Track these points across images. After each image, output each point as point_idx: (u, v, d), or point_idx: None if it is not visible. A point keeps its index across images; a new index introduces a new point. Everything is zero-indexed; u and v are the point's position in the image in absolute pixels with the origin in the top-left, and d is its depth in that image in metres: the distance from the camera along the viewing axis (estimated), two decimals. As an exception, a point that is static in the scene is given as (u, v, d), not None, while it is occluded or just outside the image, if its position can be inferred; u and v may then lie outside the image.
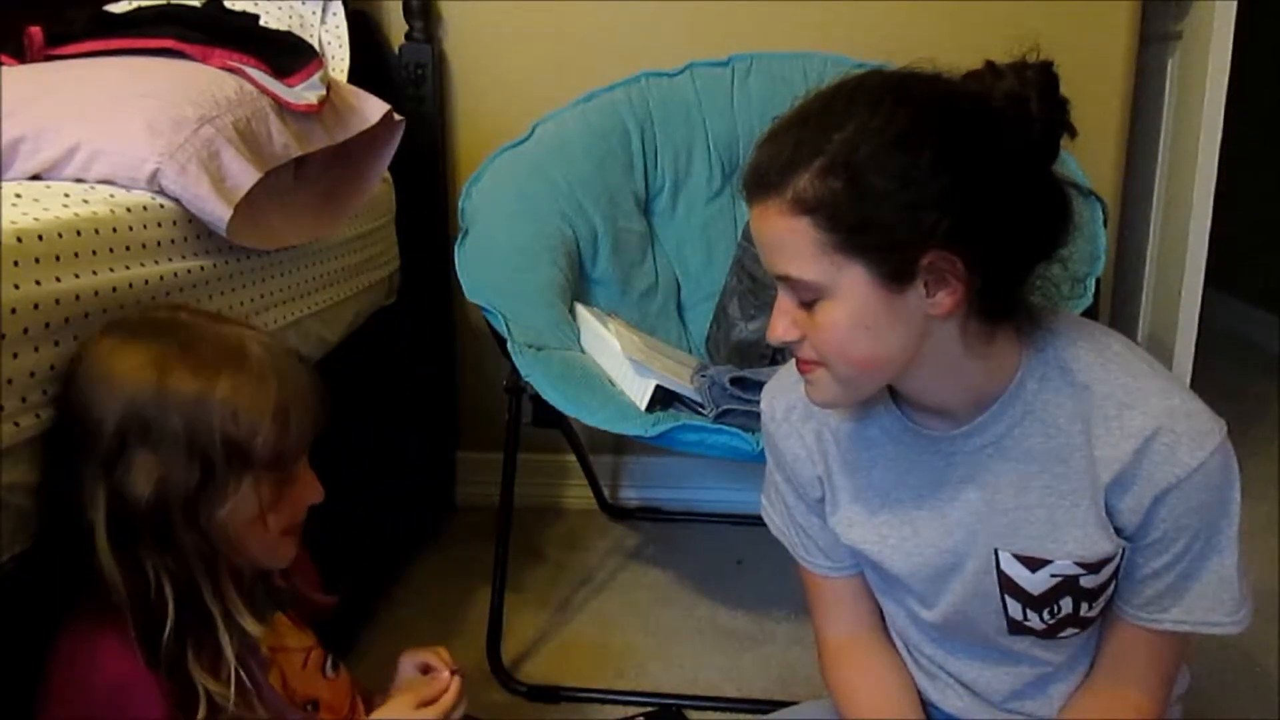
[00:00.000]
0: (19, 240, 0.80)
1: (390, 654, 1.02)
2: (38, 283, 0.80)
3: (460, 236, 1.55)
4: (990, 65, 0.76)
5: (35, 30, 1.33)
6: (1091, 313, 1.39)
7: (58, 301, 0.82)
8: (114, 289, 0.90)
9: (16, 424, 0.78)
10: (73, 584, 0.80)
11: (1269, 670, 1.50)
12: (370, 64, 1.79)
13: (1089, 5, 1.83)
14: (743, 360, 1.58)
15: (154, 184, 1.05)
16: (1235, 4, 1.86)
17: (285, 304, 1.28)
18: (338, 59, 1.71)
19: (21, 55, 1.33)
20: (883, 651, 0.98)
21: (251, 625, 0.83)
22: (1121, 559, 0.82)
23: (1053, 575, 0.82)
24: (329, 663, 0.95)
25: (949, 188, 0.71)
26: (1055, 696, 0.90)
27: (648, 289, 1.73)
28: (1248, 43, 1.92)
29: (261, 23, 1.52)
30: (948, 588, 0.87)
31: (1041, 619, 0.85)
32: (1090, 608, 0.84)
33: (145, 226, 0.99)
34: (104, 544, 0.77)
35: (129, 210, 0.98)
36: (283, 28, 1.65)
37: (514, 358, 1.34)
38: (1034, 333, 0.81)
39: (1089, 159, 1.76)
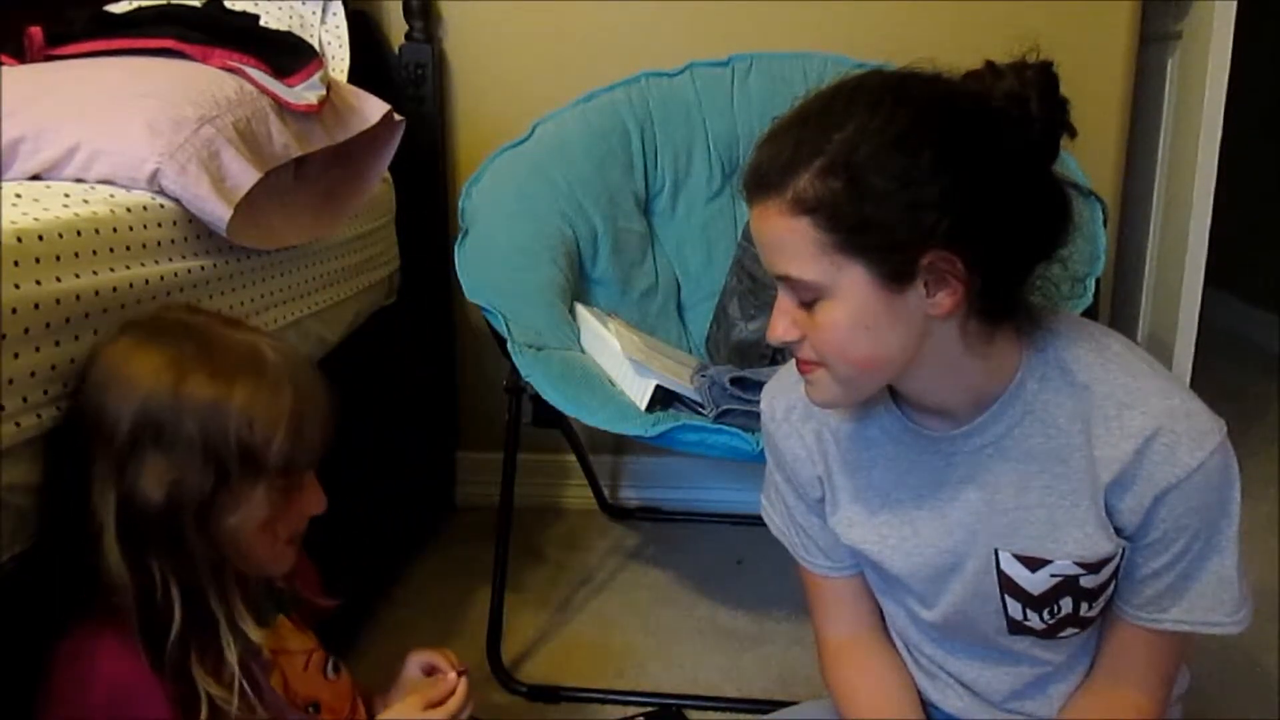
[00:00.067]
0: (19, 240, 0.80)
1: (390, 654, 1.02)
2: (38, 283, 0.80)
3: (460, 236, 1.55)
4: (990, 65, 0.76)
5: (35, 30, 1.33)
6: (1091, 313, 1.39)
7: (58, 301, 0.82)
8: (114, 289, 0.90)
9: (17, 424, 0.78)
10: (74, 584, 0.80)
11: (1269, 670, 1.50)
12: (370, 64, 1.79)
13: (1089, 5, 1.83)
14: (743, 360, 1.58)
15: (154, 184, 1.05)
16: (1235, 4, 1.86)
17: (285, 304, 1.28)
18: (338, 59, 1.71)
19: (21, 55, 1.33)
20: (883, 651, 0.98)
21: (254, 632, 0.83)
22: (1121, 559, 0.82)
23: (1053, 575, 0.82)
24: (330, 664, 0.95)
25: (949, 188, 0.71)
26: (1055, 696, 0.90)
27: (648, 289, 1.73)
28: (1248, 43, 1.92)
29: (261, 23, 1.52)
30: (948, 588, 0.87)
31: (1041, 619, 0.85)
32: (1090, 608, 0.84)
33: (145, 226, 0.99)
34: (113, 546, 0.77)
35: (129, 210, 0.98)
36: (283, 28, 1.65)
37: (514, 358, 1.34)
38: (1034, 333, 0.81)
39: (1089, 159, 1.76)
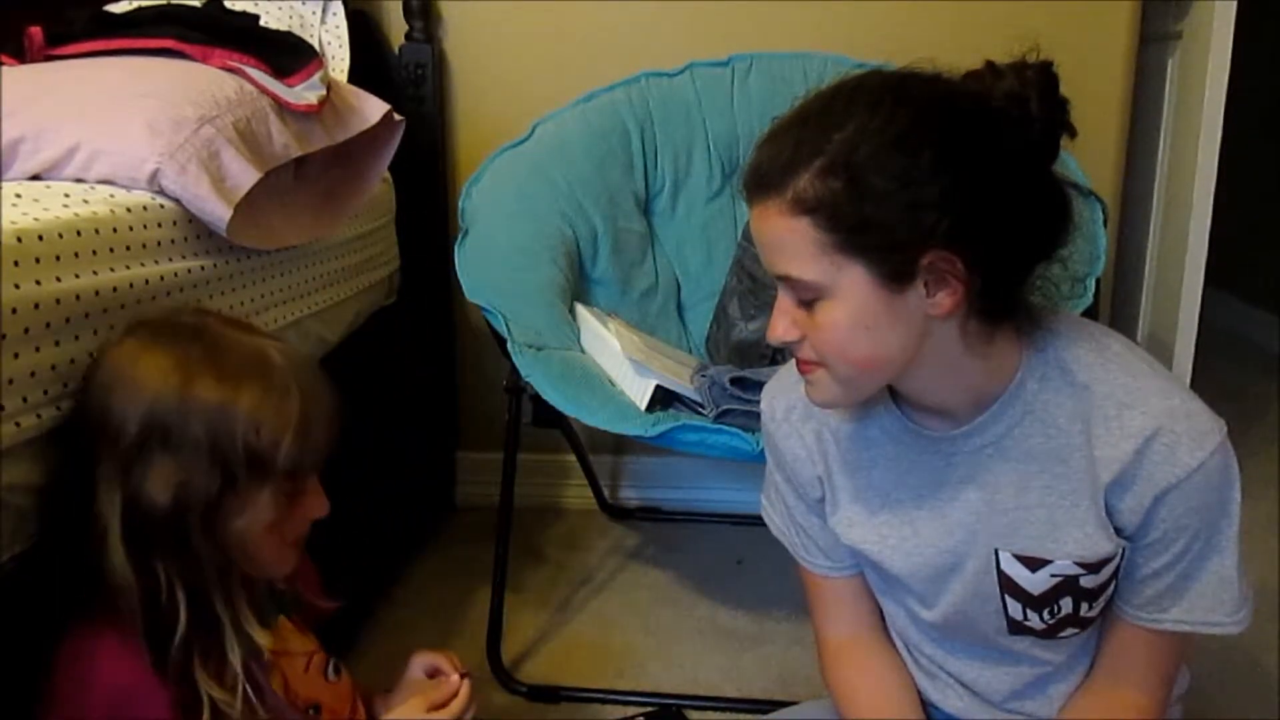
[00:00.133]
0: (19, 240, 0.80)
1: (390, 654, 1.02)
2: (38, 283, 0.80)
3: (460, 236, 1.55)
4: (990, 65, 0.76)
5: (35, 30, 1.33)
6: (1091, 313, 1.39)
7: (58, 301, 0.82)
8: (114, 289, 0.90)
9: (17, 424, 0.78)
10: (74, 585, 0.80)
11: (1269, 670, 1.50)
12: (370, 64, 1.79)
13: (1089, 5, 1.83)
14: (743, 360, 1.58)
15: (154, 184, 1.05)
16: (1235, 4, 1.86)
17: (285, 304, 1.28)
18: (338, 59, 1.71)
19: (21, 55, 1.33)
20: (883, 651, 0.98)
21: (261, 635, 0.83)
22: (1121, 559, 0.82)
23: (1053, 575, 0.82)
24: (331, 666, 0.95)
25: (949, 188, 0.71)
26: (1055, 696, 0.90)
27: (648, 289, 1.73)
28: (1248, 43, 1.92)
29: (261, 23, 1.52)
30: (948, 588, 0.87)
31: (1041, 619, 0.85)
32: (1090, 608, 0.84)
33: (145, 226, 0.99)
34: (118, 547, 0.76)
35: (129, 210, 0.98)
36: (283, 28, 1.65)
37: (514, 358, 1.34)
38: (1034, 333, 0.81)
39: (1089, 159, 1.76)
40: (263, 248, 1.20)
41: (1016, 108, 0.73)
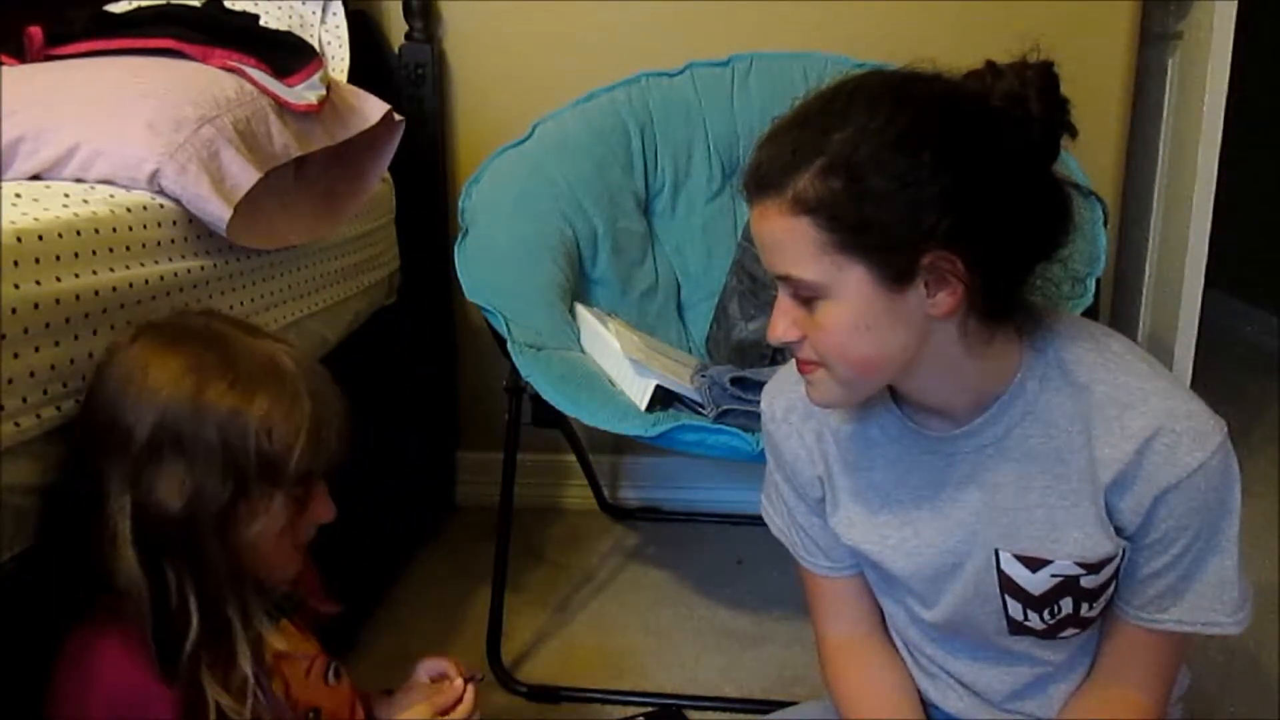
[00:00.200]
0: (19, 240, 0.80)
1: (390, 654, 1.02)
2: (38, 283, 0.80)
3: (460, 236, 1.55)
4: (990, 65, 0.76)
5: (35, 30, 1.33)
6: (1091, 313, 1.39)
7: (58, 301, 0.82)
8: (114, 289, 0.90)
9: (17, 424, 0.78)
10: (76, 585, 0.80)
11: (1269, 670, 1.50)
12: (370, 64, 1.79)
13: (1089, 5, 1.83)
14: (743, 360, 1.57)
15: (154, 184, 1.05)
16: (1235, 4, 1.86)
17: (285, 304, 1.28)
18: (338, 59, 1.71)
19: (21, 55, 1.33)
20: (883, 651, 0.98)
21: (278, 640, 0.83)
22: (1122, 559, 0.82)
23: (1053, 575, 0.82)
24: (331, 670, 0.95)
25: (949, 188, 0.71)
26: (1055, 696, 0.90)
27: (648, 289, 1.73)
28: (1248, 43, 1.92)
29: (261, 23, 1.52)
30: (948, 588, 0.87)
31: (1042, 619, 0.85)
32: (1091, 608, 0.84)
33: (145, 226, 0.99)
34: (128, 552, 0.76)
35: (129, 210, 0.98)
36: (283, 28, 1.65)
37: (514, 358, 1.34)
38: (1034, 333, 0.81)
39: (1089, 159, 1.76)
40: (263, 248, 1.20)
41: (1017, 108, 0.73)
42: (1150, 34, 1.95)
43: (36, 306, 0.80)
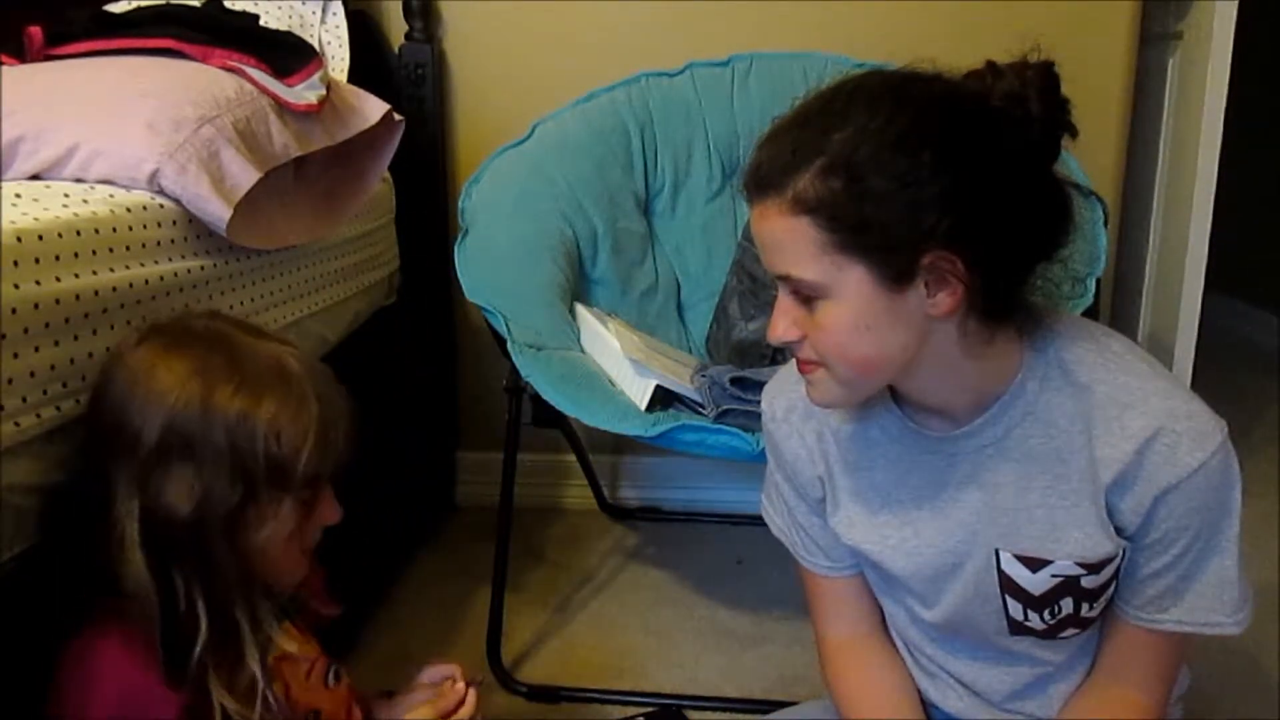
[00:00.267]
0: (19, 240, 0.80)
1: (390, 654, 1.03)
2: (38, 283, 0.80)
3: (460, 236, 1.54)
4: (990, 65, 0.76)
5: (35, 30, 1.33)
6: (1091, 313, 1.39)
7: (58, 301, 0.82)
8: (114, 289, 0.90)
9: (17, 424, 0.78)
10: (78, 586, 0.80)
11: (1269, 670, 1.50)
12: (370, 64, 1.79)
13: (1089, 5, 1.83)
14: (743, 360, 1.57)
15: (154, 184, 1.05)
16: (1235, 4, 1.86)
17: (285, 304, 1.28)
18: (338, 59, 1.71)
19: (21, 55, 1.33)
20: (883, 651, 0.98)
21: (285, 641, 0.83)
22: (1122, 559, 0.82)
23: (1053, 575, 0.82)
24: (331, 672, 0.95)
25: (949, 188, 0.71)
26: (1055, 696, 0.90)
27: (648, 289, 1.73)
28: (1248, 43, 1.92)
29: (261, 23, 1.52)
30: (948, 588, 0.87)
31: (1042, 619, 0.85)
32: (1091, 608, 0.84)
33: (145, 226, 0.99)
34: (136, 555, 0.76)
35: (129, 210, 0.98)
36: (283, 28, 1.65)
37: (514, 358, 1.34)
38: (1034, 333, 0.81)
39: (1089, 159, 1.76)
40: (263, 248, 1.20)
41: (1017, 108, 0.73)
42: (1150, 34, 1.95)
43: (36, 306, 0.80)
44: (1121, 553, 0.81)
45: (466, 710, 0.96)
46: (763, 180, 0.75)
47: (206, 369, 0.79)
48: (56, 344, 0.82)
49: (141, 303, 0.94)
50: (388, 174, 1.64)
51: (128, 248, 0.95)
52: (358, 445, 0.86)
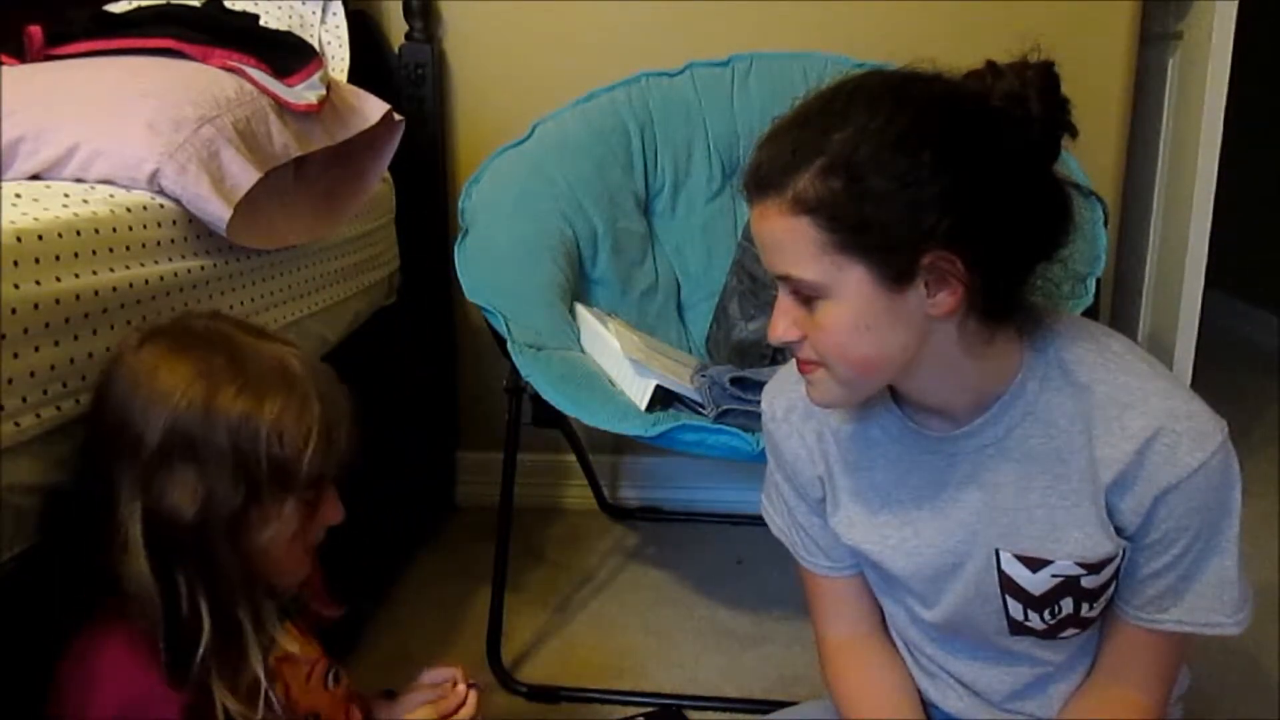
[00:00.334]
0: (19, 240, 0.80)
1: (390, 654, 1.03)
2: (38, 283, 0.80)
3: (460, 236, 1.54)
4: (990, 65, 0.76)
5: (35, 30, 1.33)
6: (1091, 313, 1.39)
7: (58, 301, 0.82)
8: (114, 289, 0.90)
9: (17, 424, 0.78)
10: (78, 586, 0.80)
11: (1269, 670, 1.50)
12: (370, 64, 1.79)
13: (1089, 5, 1.83)
14: (743, 360, 1.57)
15: (154, 184, 1.05)
16: (1235, 4, 1.86)
17: (285, 304, 1.28)
18: (338, 59, 1.71)
19: (21, 55, 1.33)
20: (883, 651, 0.98)
21: (288, 642, 0.83)
22: (1122, 559, 0.82)
23: (1054, 575, 0.82)
24: (331, 674, 0.95)
25: (949, 188, 0.71)
26: (1055, 696, 0.90)
27: (648, 289, 1.73)
28: (1248, 43, 1.92)
29: (261, 23, 1.52)
30: (948, 588, 0.87)
31: (1042, 619, 0.85)
32: (1091, 608, 0.84)
33: (145, 226, 0.99)
34: (139, 557, 0.76)
35: (129, 210, 0.98)
36: (283, 28, 1.65)
37: (514, 358, 1.34)
38: (1034, 333, 0.81)
39: (1089, 159, 1.76)
40: (263, 248, 1.20)
41: (1017, 108, 0.73)
42: (1150, 34, 1.95)
43: (36, 306, 0.80)
44: (1121, 553, 0.81)
45: (467, 711, 0.96)
46: (763, 180, 0.75)
47: (209, 370, 0.79)
48: (56, 344, 0.82)
49: (141, 303, 0.94)
50: (388, 174, 1.64)
51: (128, 248, 0.95)
52: (359, 445, 0.86)
